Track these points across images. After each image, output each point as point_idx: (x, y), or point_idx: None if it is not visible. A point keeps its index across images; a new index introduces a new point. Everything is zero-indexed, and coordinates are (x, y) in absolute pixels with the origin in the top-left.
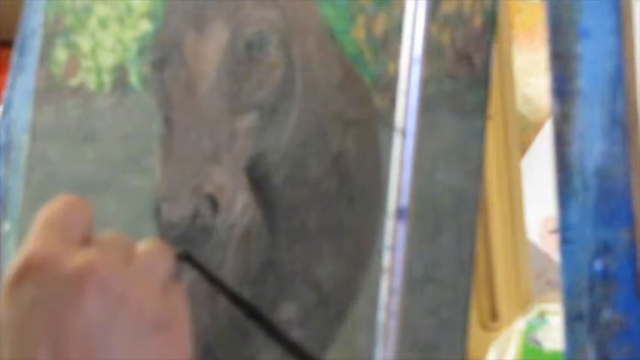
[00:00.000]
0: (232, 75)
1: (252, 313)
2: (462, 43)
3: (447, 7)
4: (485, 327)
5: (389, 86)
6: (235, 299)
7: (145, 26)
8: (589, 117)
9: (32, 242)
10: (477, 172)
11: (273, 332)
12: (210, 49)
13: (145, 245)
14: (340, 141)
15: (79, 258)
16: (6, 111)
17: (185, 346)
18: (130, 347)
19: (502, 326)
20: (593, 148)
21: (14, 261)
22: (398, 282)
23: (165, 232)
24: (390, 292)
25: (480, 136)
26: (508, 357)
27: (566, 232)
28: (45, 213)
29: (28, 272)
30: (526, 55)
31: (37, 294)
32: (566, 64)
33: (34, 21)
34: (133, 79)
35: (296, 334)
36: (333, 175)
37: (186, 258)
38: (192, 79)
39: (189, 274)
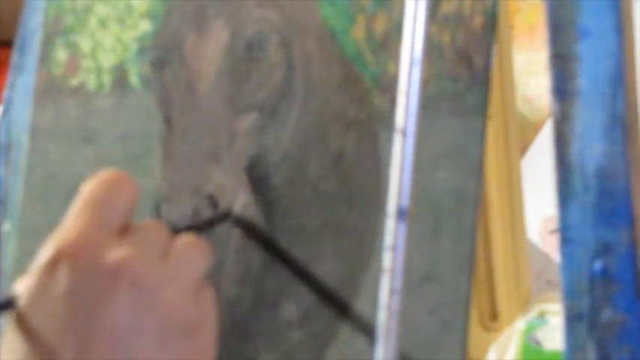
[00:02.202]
0: (232, 75)
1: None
2: (462, 43)
3: (447, 7)
4: (485, 327)
5: (389, 86)
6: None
7: (145, 26)
8: (589, 117)
9: (70, 224)
10: (477, 172)
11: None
12: (211, 49)
13: (182, 240)
14: (340, 141)
15: (115, 252)
16: (6, 111)
17: (210, 351)
18: (155, 350)
19: (502, 326)
20: (593, 148)
21: (51, 242)
22: (398, 282)
23: None
24: (390, 292)
25: (480, 136)
26: (508, 357)
27: (566, 232)
28: (88, 190)
29: (63, 258)
30: (526, 55)
31: (70, 285)
32: (566, 64)
33: (34, 21)
34: (133, 79)
35: (296, 335)
36: (333, 175)
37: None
38: (192, 79)
39: None
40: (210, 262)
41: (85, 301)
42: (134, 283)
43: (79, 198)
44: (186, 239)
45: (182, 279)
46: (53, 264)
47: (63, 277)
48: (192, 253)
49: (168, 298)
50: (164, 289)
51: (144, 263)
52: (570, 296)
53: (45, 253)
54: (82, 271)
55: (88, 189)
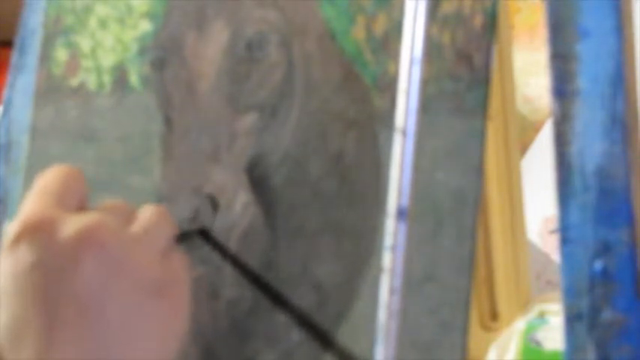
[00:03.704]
0: (232, 75)
1: (267, 289)
2: (462, 43)
3: (447, 7)
4: (485, 327)
5: (389, 86)
6: (251, 277)
7: (145, 26)
8: (589, 117)
9: (29, 207)
10: (477, 172)
11: (288, 309)
12: (211, 49)
13: (145, 210)
14: (340, 141)
15: (76, 221)
16: (6, 111)
17: (183, 311)
18: (127, 311)
19: (502, 326)
20: (593, 148)
21: (12, 225)
22: (398, 282)
23: None
24: (390, 292)
25: (480, 136)
26: (508, 357)
27: (566, 232)
28: (41, 181)
29: (25, 235)
30: (526, 55)
31: (34, 257)
32: (566, 64)
33: (34, 21)
34: (133, 79)
35: (296, 335)
36: (333, 175)
37: (202, 234)
38: (192, 79)
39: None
40: (174, 229)
41: (50, 271)
42: (99, 248)
43: (33, 186)
44: (149, 208)
45: (148, 242)
46: (15, 243)
47: (24, 253)
48: (156, 219)
49: (136, 260)
50: (130, 251)
51: (107, 229)
52: (570, 296)
53: (9, 234)
54: (43, 244)
55: (40, 179)
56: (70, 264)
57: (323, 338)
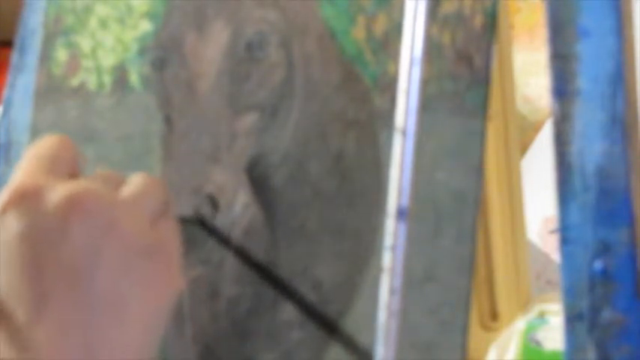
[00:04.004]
0: (232, 75)
1: (270, 279)
2: (462, 43)
3: (447, 7)
4: (485, 327)
5: (389, 86)
6: (250, 263)
7: (145, 26)
8: (589, 117)
9: (18, 175)
10: (477, 172)
11: (288, 294)
12: (211, 49)
13: (135, 177)
14: (340, 141)
15: (64, 188)
16: (6, 111)
17: (174, 275)
18: (116, 274)
19: (502, 326)
20: (593, 148)
21: (2, 194)
22: (398, 282)
23: None
24: (390, 292)
25: (480, 136)
26: (508, 357)
27: (566, 232)
28: (32, 149)
29: (12, 204)
30: (526, 55)
31: (22, 226)
32: (566, 64)
33: (34, 21)
34: (133, 79)
35: (296, 335)
36: (334, 175)
37: (198, 221)
38: (192, 79)
39: (191, 271)
40: (166, 195)
41: (37, 241)
42: (86, 212)
43: (25, 155)
44: (139, 174)
45: (137, 207)
46: (2, 213)
47: (11, 222)
48: (145, 185)
49: (124, 224)
50: (118, 215)
51: (94, 194)
52: (570, 296)
53: None
54: (30, 213)
55: (32, 148)
56: (58, 231)
57: (329, 327)
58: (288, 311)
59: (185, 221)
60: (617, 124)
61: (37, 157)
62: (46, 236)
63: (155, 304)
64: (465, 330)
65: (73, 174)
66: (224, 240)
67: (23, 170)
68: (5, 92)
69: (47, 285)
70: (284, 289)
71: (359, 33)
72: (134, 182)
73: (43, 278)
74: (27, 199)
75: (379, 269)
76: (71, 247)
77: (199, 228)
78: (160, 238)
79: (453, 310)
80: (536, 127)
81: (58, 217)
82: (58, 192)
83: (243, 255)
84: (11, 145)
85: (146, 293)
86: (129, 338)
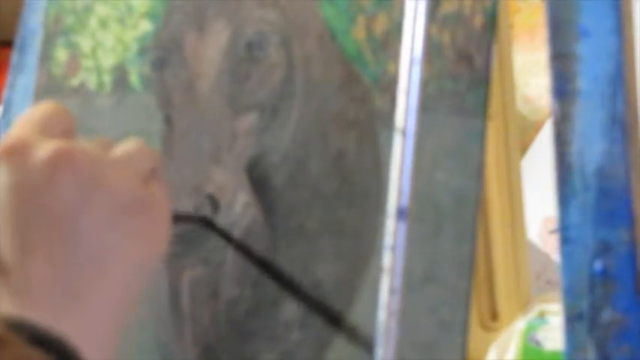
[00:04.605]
0: (233, 75)
1: (274, 273)
2: (462, 43)
3: (447, 7)
4: (485, 327)
5: (389, 86)
6: (255, 260)
7: (145, 26)
8: (589, 117)
9: (9, 135)
10: (477, 172)
11: (294, 290)
12: (211, 49)
13: (125, 142)
14: (340, 141)
15: (52, 145)
16: (6, 111)
17: (160, 235)
18: (102, 227)
19: (502, 326)
20: (593, 148)
21: None
22: (398, 282)
23: None
24: (390, 292)
25: (480, 136)
26: (508, 357)
27: (566, 232)
28: (26, 112)
29: (1, 159)
30: (526, 55)
31: (9, 178)
32: (566, 64)
33: (34, 21)
34: (133, 79)
35: (296, 335)
36: (334, 175)
37: (202, 221)
38: (192, 79)
39: (191, 271)
40: (155, 160)
41: (23, 194)
42: (75, 166)
43: (17, 120)
44: (129, 140)
45: (124, 165)
46: None
47: (1, 173)
48: (134, 148)
49: (111, 180)
50: (105, 171)
51: (81, 151)
52: (570, 296)
53: None
54: (17, 166)
55: (26, 111)
56: (46, 183)
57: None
58: (288, 311)
59: (188, 220)
60: (617, 124)
61: (30, 119)
62: (34, 188)
63: (139, 260)
64: (465, 330)
65: (67, 137)
66: (227, 238)
67: (15, 129)
68: (5, 92)
69: (33, 234)
70: (285, 288)
71: (359, 33)
72: (124, 145)
73: (30, 228)
74: (16, 154)
75: (379, 269)
76: (58, 199)
77: (201, 227)
78: (149, 197)
79: (453, 310)
80: (536, 127)
81: (46, 170)
82: (47, 147)
83: (244, 251)
84: None
85: (130, 248)
86: (111, 288)
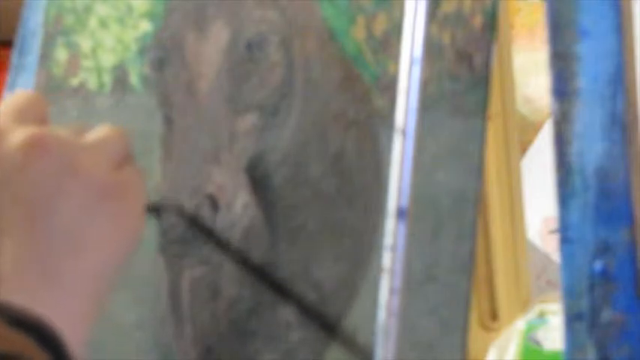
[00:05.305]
0: (232, 75)
1: (256, 271)
2: (462, 43)
3: (447, 7)
4: (485, 327)
5: (389, 86)
6: (234, 256)
7: (145, 26)
8: (589, 117)
9: None
10: (477, 172)
11: (280, 291)
12: (211, 49)
13: (98, 128)
14: (340, 141)
15: (25, 130)
16: None
17: (134, 219)
18: (76, 211)
19: (502, 326)
20: (593, 148)
21: None
22: (398, 282)
23: (165, 231)
24: (390, 292)
25: (480, 136)
26: (508, 357)
27: (566, 232)
28: (2, 102)
29: None
30: (526, 55)
31: None
32: (566, 64)
33: (34, 21)
34: (133, 79)
35: (296, 335)
36: (333, 175)
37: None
38: (192, 79)
39: (191, 271)
40: (128, 145)
41: None
42: (45, 152)
43: None
44: (103, 126)
45: (97, 150)
46: None
47: None
48: (107, 133)
49: (86, 164)
50: (80, 157)
51: (54, 136)
52: (570, 296)
53: None
54: None
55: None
56: (18, 169)
57: (329, 328)
58: (289, 312)
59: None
60: (617, 124)
61: (5, 107)
62: (7, 173)
63: (113, 243)
64: (465, 330)
65: (40, 123)
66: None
67: None
68: (5, 92)
69: (7, 218)
70: (283, 291)
71: (359, 33)
72: (97, 131)
73: (3, 211)
74: None
75: (379, 269)
76: (32, 184)
77: (198, 229)
78: (123, 182)
79: (453, 310)
80: (536, 127)
81: (20, 156)
82: (20, 133)
83: (240, 257)
84: None
85: (104, 232)
86: (86, 270)
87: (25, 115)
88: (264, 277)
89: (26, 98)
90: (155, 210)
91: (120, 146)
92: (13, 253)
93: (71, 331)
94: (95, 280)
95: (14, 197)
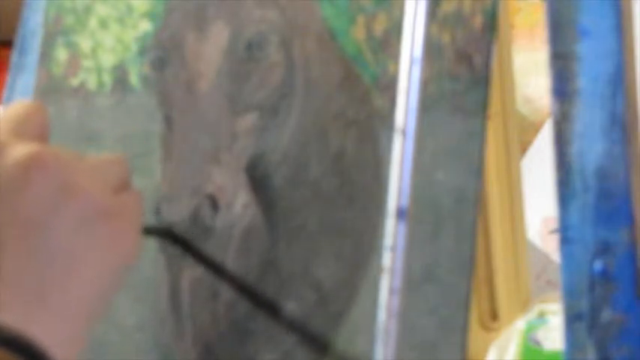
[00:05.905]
0: (232, 75)
1: (242, 288)
2: (462, 43)
3: (447, 7)
4: (485, 327)
5: (389, 86)
6: (222, 275)
7: (145, 26)
8: (589, 117)
9: None
10: (477, 172)
11: (266, 308)
12: (211, 49)
13: (95, 154)
14: (340, 141)
15: (25, 147)
16: None
17: (130, 242)
18: (72, 231)
19: (502, 326)
20: (593, 148)
21: None
22: (398, 282)
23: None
24: (390, 292)
25: (480, 136)
26: (508, 357)
27: (566, 232)
28: (1, 112)
29: None
30: (526, 55)
31: None
32: (566, 64)
33: (34, 21)
34: (133, 79)
35: (296, 335)
36: (333, 175)
37: (167, 234)
38: (192, 79)
39: (191, 271)
40: (127, 171)
41: None
42: (45, 171)
43: None
44: (103, 153)
45: (97, 173)
46: None
47: None
48: (107, 160)
49: (84, 185)
50: (79, 178)
51: (55, 155)
52: (570, 296)
53: None
54: None
55: (1, 111)
56: (17, 185)
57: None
58: (288, 312)
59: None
60: (617, 124)
61: (4, 119)
62: (5, 189)
63: (108, 266)
64: (465, 330)
65: (41, 139)
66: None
67: None
68: (5, 92)
69: (2, 234)
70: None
71: (359, 33)
72: (97, 156)
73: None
74: None
75: (379, 269)
76: (29, 201)
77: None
78: (121, 205)
79: (452, 310)
80: (536, 127)
81: (18, 171)
82: (20, 149)
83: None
84: None
85: (98, 253)
86: (78, 291)
87: (24, 127)
88: (253, 297)
89: (26, 109)
90: (151, 233)
91: (119, 171)
92: (6, 271)
93: (61, 352)
94: (87, 301)
95: (11, 214)
